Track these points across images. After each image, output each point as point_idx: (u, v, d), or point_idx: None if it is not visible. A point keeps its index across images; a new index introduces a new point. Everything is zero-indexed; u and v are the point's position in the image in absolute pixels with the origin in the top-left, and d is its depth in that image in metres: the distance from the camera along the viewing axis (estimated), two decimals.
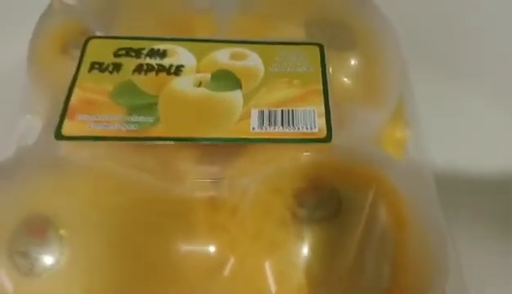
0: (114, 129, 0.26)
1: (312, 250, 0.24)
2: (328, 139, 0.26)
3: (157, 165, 0.26)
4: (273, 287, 0.24)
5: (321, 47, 0.30)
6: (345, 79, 0.30)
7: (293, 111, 0.27)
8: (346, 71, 0.30)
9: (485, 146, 0.35)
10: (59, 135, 0.26)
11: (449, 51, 0.40)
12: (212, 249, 0.25)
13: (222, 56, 0.29)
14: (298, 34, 0.31)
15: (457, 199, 0.31)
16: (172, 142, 0.26)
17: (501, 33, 0.40)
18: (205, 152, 0.27)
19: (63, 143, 0.26)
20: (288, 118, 0.27)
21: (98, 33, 0.30)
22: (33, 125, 0.30)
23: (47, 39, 0.31)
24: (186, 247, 0.25)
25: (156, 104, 0.27)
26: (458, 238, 0.28)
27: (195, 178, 0.26)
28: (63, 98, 0.27)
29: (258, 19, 0.32)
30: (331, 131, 0.26)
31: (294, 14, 0.32)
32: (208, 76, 0.28)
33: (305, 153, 0.26)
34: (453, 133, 0.35)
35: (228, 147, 0.27)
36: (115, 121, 0.26)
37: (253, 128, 0.26)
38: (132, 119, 0.26)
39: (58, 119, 0.27)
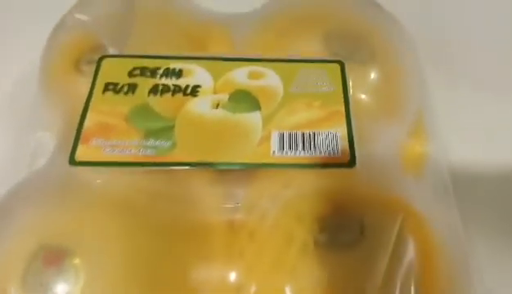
0: (130, 154, 0.26)
1: (334, 277, 0.23)
2: (351, 163, 0.26)
3: (173, 188, 0.26)
4: None
5: (342, 65, 0.29)
6: (364, 94, 0.29)
7: (314, 134, 0.26)
8: (366, 85, 0.29)
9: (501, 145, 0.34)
10: (73, 161, 0.25)
11: (464, 55, 0.39)
12: (230, 275, 0.24)
13: (240, 75, 0.29)
14: (317, 48, 0.30)
15: (473, 196, 0.31)
16: (189, 167, 0.25)
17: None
18: (223, 174, 0.26)
19: (77, 168, 0.25)
20: (309, 141, 0.26)
21: (111, 50, 0.30)
22: (44, 142, 0.30)
23: (59, 54, 0.31)
24: (203, 273, 0.24)
25: (173, 127, 0.26)
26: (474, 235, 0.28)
27: (212, 201, 0.26)
28: (76, 119, 0.27)
29: (275, 34, 0.32)
30: (355, 155, 0.26)
31: (312, 28, 0.31)
32: (225, 97, 0.28)
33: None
34: (469, 133, 0.34)
35: (247, 169, 0.26)
36: (132, 145, 0.26)
37: (274, 152, 0.26)
38: (149, 144, 0.26)
39: (72, 143, 0.26)
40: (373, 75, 0.29)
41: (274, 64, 0.29)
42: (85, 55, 0.30)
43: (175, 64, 0.29)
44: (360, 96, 0.29)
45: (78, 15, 0.31)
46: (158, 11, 0.32)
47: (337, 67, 0.29)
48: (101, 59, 0.29)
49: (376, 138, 0.28)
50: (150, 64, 0.29)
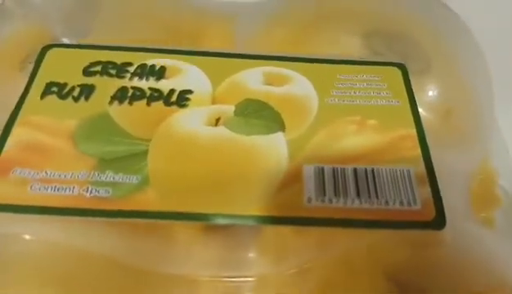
0: (71, 195, 0.19)
1: None
2: (439, 223, 0.18)
3: (142, 253, 0.20)
4: None
5: (404, 70, 0.23)
6: (425, 114, 0.24)
7: (373, 171, 0.19)
8: (425, 102, 0.24)
9: None
10: None
11: None
12: None
13: (252, 79, 0.23)
14: (356, 51, 0.26)
15: None
16: (169, 221, 0.19)
17: None
18: (222, 232, 0.20)
19: None
20: (367, 184, 0.19)
21: (65, 41, 0.24)
22: None
23: None
24: None
25: (145, 153, 0.20)
26: None
27: (203, 272, 0.20)
28: None
29: (294, 27, 0.27)
30: (443, 209, 0.18)
31: (347, 23, 0.27)
32: (230, 109, 0.22)
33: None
34: None
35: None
36: (76, 181, 0.19)
37: (309, 199, 0.19)
38: (104, 179, 0.19)
39: None
40: (431, 92, 0.25)
41: (301, 65, 0.23)
42: (31, 49, 0.25)
43: (155, 60, 0.23)
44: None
45: None
46: None
47: (396, 72, 0.23)
48: (44, 49, 0.23)
49: (448, 176, 0.23)
50: (117, 58, 0.23)
